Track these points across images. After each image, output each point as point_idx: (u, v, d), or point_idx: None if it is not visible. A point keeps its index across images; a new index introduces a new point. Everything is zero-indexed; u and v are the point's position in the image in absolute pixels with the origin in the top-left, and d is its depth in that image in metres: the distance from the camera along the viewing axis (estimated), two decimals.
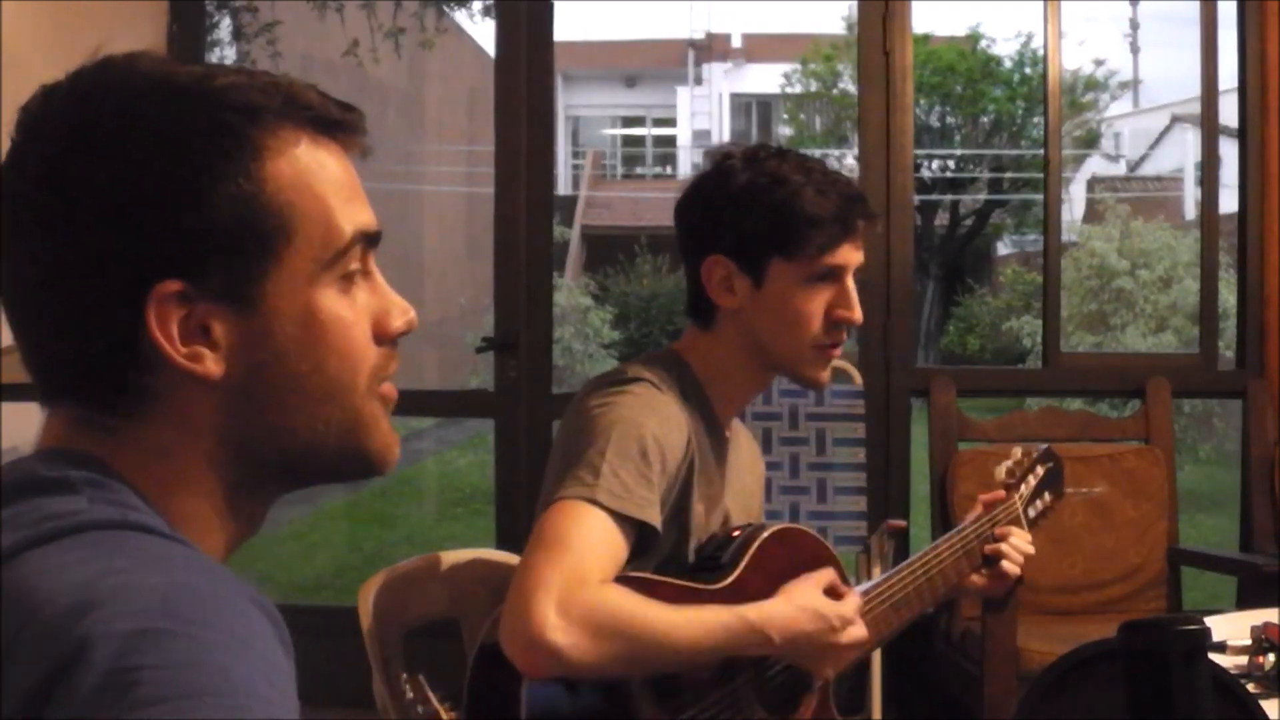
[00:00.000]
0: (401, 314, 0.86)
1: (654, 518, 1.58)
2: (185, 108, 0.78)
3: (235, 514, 0.83)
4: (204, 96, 0.79)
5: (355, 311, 0.83)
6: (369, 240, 0.84)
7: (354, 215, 0.83)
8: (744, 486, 1.84)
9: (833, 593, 1.67)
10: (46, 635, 0.66)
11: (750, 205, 1.69)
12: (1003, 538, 1.87)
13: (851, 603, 1.67)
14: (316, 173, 0.81)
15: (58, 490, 0.76)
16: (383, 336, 0.86)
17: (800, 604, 1.61)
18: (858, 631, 1.65)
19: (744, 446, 1.88)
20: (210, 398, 0.80)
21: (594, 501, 1.53)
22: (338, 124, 0.83)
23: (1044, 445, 2.05)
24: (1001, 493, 1.92)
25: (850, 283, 1.72)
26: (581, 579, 1.48)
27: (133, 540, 0.73)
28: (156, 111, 0.78)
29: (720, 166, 1.73)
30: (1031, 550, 1.89)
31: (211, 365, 0.79)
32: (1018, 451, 2.00)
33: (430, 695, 1.54)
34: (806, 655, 1.63)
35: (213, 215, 0.77)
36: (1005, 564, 1.86)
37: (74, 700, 0.62)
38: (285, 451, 0.83)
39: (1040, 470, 2.00)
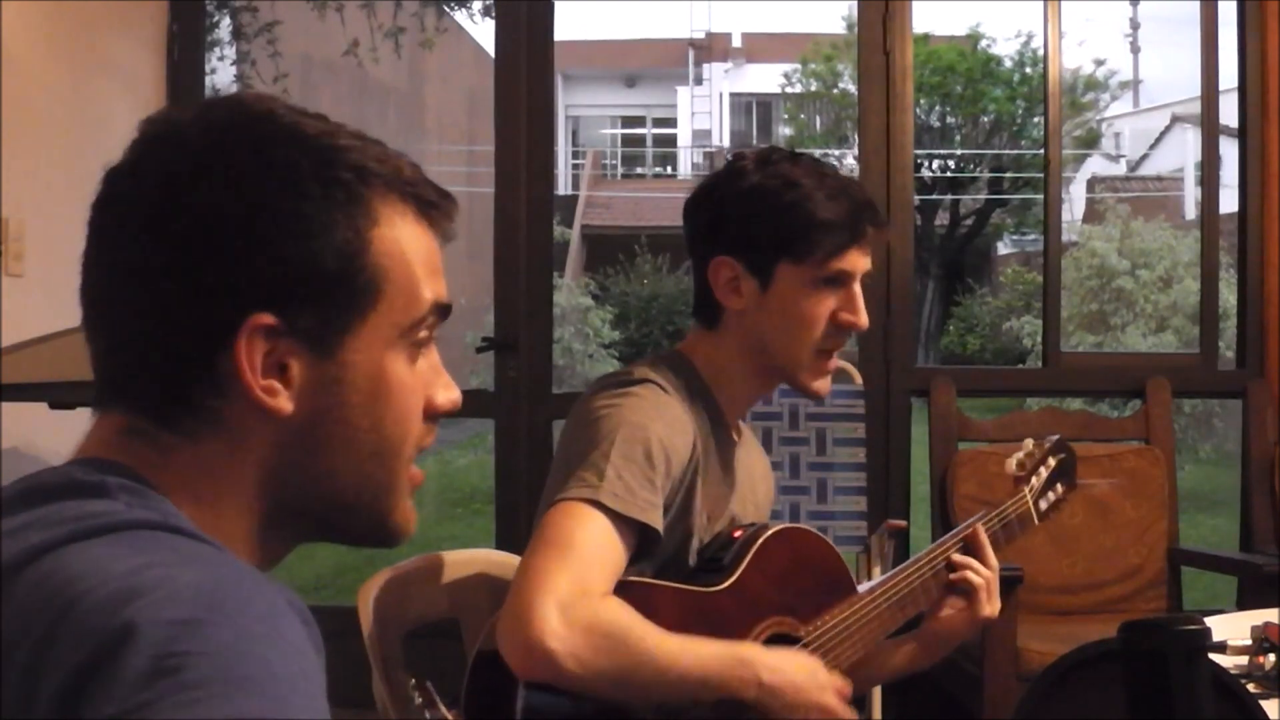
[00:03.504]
0: (448, 393, 0.91)
1: (656, 521, 1.57)
2: (311, 154, 0.82)
3: (262, 545, 0.86)
4: (329, 150, 0.83)
5: (415, 380, 0.88)
6: (442, 312, 0.89)
7: (435, 287, 0.88)
8: (756, 497, 1.82)
9: None
10: (89, 621, 0.67)
11: (759, 207, 1.69)
12: (962, 566, 1.78)
13: (845, 683, 1.63)
14: (412, 244, 0.86)
15: (94, 494, 0.77)
16: (429, 411, 0.90)
17: (796, 659, 1.60)
18: (848, 711, 1.60)
19: (755, 455, 1.86)
20: (269, 431, 0.83)
21: (597, 503, 1.53)
22: (435, 205, 0.88)
23: (1055, 436, 2.00)
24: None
25: (857, 288, 1.72)
26: (585, 588, 1.47)
27: (173, 540, 0.75)
28: (284, 151, 0.82)
29: (731, 168, 1.74)
30: (993, 569, 1.79)
31: (284, 402, 0.82)
32: (1029, 443, 1.95)
33: (438, 700, 1.53)
34: (788, 707, 1.55)
35: (319, 260, 0.81)
36: (969, 575, 1.76)
37: (119, 683, 0.63)
38: (322, 498, 0.86)
39: (1052, 461, 1.96)
